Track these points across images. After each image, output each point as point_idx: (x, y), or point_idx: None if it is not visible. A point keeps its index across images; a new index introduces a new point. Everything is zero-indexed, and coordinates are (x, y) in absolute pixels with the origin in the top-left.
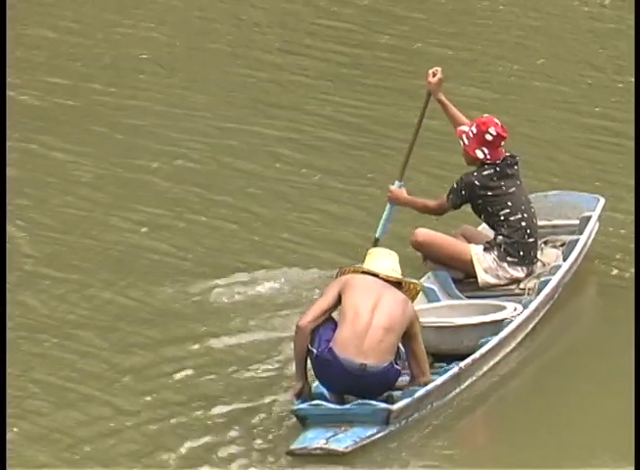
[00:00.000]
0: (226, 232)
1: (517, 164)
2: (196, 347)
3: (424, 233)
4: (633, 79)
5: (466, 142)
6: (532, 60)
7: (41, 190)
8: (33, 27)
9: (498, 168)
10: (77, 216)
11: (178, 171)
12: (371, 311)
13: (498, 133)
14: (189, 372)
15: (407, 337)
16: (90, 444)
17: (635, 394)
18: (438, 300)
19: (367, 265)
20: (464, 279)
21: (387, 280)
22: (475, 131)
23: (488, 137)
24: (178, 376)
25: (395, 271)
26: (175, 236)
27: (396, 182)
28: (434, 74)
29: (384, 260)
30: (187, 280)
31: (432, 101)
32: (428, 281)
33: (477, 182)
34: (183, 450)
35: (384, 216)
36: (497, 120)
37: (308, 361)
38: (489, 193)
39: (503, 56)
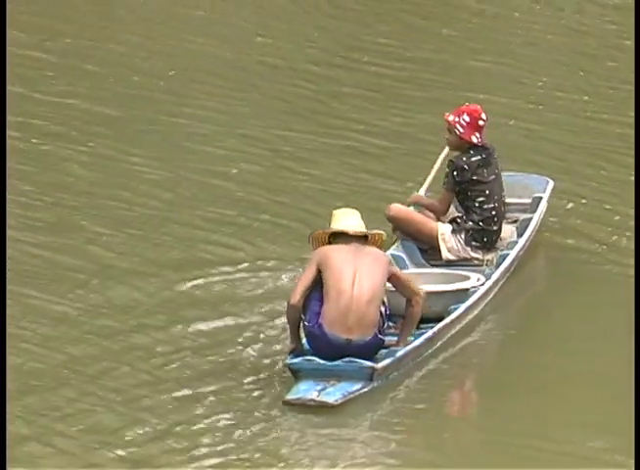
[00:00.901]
0: (292, 229)
1: (495, 152)
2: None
3: (396, 208)
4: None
5: (461, 130)
6: (561, 72)
7: (119, 190)
8: (103, 42)
9: (484, 155)
10: (150, 215)
11: (240, 174)
12: (351, 286)
13: (486, 119)
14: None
15: (392, 280)
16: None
17: (635, 394)
18: (407, 267)
19: (335, 225)
20: (429, 250)
21: (354, 236)
22: (467, 119)
23: (481, 123)
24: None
25: (361, 226)
26: (242, 232)
27: (421, 190)
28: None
29: (348, 219)
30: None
31: None
32: (397, 249)
33: (465, 166)
34: (189, 402)
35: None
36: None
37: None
38: (473, 178)
39: (532, 70)
